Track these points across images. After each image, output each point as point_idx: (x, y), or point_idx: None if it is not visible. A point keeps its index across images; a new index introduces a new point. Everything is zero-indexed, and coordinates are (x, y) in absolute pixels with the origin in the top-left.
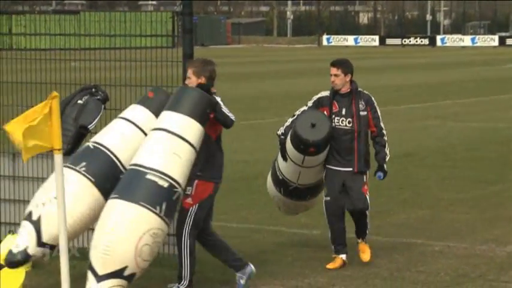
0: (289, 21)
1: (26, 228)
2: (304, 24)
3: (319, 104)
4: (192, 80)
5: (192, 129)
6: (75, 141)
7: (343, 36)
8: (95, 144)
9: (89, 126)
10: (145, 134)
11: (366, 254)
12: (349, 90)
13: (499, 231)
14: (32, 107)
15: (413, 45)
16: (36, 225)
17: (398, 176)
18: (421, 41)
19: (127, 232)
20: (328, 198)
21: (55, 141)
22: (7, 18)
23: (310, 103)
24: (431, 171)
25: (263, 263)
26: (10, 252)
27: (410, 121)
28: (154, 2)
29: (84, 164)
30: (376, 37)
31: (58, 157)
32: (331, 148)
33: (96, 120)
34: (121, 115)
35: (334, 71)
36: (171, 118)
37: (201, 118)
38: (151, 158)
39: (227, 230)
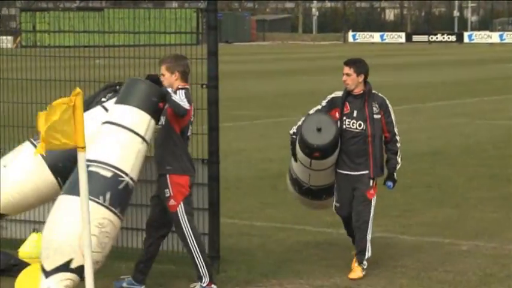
0: (314, 17)
1: None
2: (329, 21)
3: (332, 103)
4: (166, 77)
5: (141, 120)
6: None
7: (369, 33)
8: None
9: None
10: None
11: (352, 273)
12: (362, 91)
13: None
14: None
15: (440, 42)
16: None
17: (426, 175)
18: (448, 38)
19: (69, 224)
20: (338, 204)
21: (79, 139)
22: (31, 16)
23: (324, 102)
24: (459, 170)
25: (288, 262)
26: None
27: (437, 119)
28: None
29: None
30: (403, 34)
31: (81, 155)
32: (340, 151)
33: None
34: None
35: (346, 70)
36: (118, 111)
37: (149, 109)
38: (95, 151)
39: (252, 228)
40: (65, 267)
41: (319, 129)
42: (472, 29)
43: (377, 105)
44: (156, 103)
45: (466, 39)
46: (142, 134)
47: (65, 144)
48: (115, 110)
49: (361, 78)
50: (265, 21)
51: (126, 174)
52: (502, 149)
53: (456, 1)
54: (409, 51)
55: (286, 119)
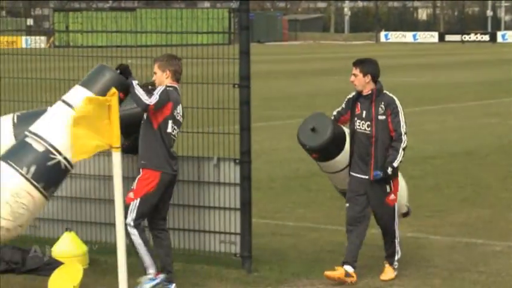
0: (346, 17)
1: None
2: (361, 21)
3: (348, 104)
4: (158, 75)
5: None
6: (132, 139)
7: (402, 33)
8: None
9: None
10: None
11: (384, 274)
12: (370, 92)
13: None
14: None
15: (473, 41)
16: None
17: (459, 175)
18: (482, 38)
19: None
20: (347, 204)
21: (114, 140)
22: (64, 16)
23: (344, 103)
24: (492, 170)
25: (320, 262)
26: None
27: (471, 119)
28: None
29: None
30: (435, 33)
31: (117, 155)
32: (353, 153)
33: None
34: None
35: (353, 70)
36: (75, 92)
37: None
38: (39, 124)
39: (284, 228)
40: None
41: (313, 130)
42: (506, 29)
43: (383, 106)
44: (117, 93)
45: (499, 39)
46: None
47: (98, 147)
48: (73, 90)
49: (368, 79)
50: (297, 21)
51: (60, 153)
52: None
53: (489, 1)
54: (442, 51)
55: None
